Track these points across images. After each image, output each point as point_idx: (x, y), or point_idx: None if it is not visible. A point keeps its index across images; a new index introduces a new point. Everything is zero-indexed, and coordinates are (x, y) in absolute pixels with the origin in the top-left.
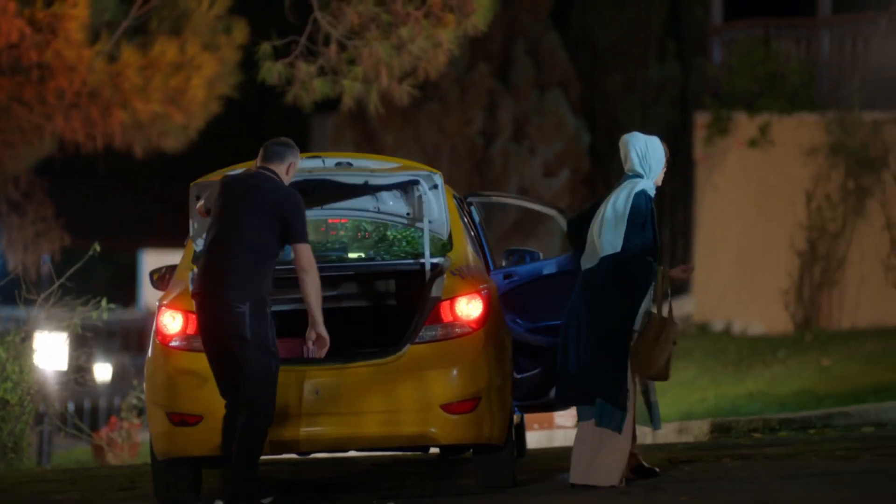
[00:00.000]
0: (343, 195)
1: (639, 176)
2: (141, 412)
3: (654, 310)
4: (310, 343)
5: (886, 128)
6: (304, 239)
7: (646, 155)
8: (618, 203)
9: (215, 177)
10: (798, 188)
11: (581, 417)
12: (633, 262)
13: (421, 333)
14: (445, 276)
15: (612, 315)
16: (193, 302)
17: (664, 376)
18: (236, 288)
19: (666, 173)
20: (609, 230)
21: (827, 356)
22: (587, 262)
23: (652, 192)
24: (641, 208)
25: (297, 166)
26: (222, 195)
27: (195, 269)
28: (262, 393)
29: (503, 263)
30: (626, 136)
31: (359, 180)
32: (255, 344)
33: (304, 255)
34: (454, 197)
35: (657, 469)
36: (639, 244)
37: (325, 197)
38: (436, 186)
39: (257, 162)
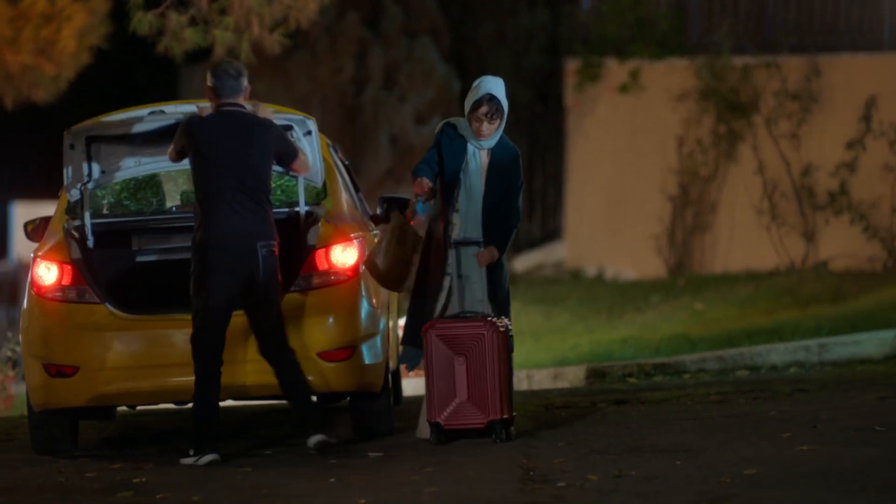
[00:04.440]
0: None
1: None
2: (15, 364)
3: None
4: None
5: (756, 72)
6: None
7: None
8: None
9: (91, 123)
10: (669, 133)
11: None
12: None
13: (296, 282)
14: (320, 223)
15: None
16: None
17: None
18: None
19: (537, 120)
20: None
21: (700, 301)
22: None
23: (467, 134)
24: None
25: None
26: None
27: (69, 221)
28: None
29: (378, 211)
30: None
31: None
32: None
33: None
34: (328, 145)
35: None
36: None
37: None
38: (309, 133)
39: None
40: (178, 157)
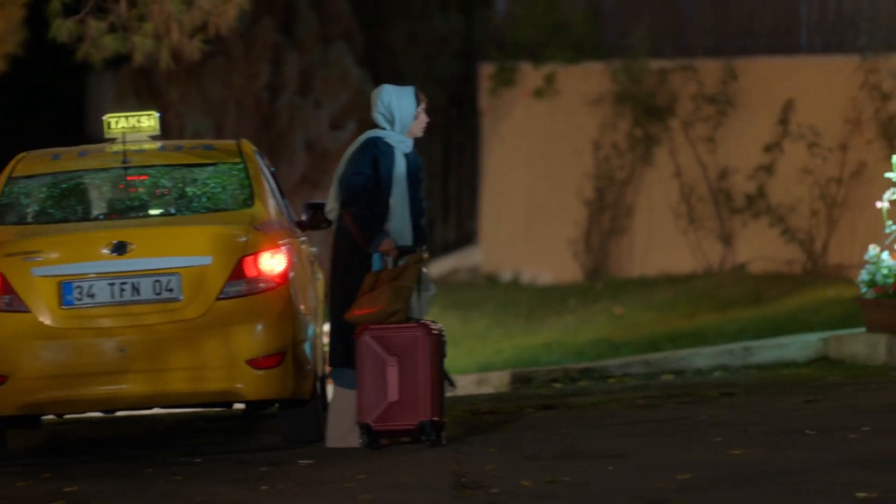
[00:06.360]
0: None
1: (379, 127)
2: None
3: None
4: None
5: (672, 76)
6: None
7: (390, 106)
8: (346, 153)
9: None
10: (585, 137)
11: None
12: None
13: (225, 289)
14: (248, 230)
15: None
16: None
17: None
18: None
19: (451, 124)
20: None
21: (619, 304)
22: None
23: (396, 142)
24: (354, 155)
25: None
26: None
27: None
28: None
29: (303, 217)
30: (376, 89)
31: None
32: None
33: None
34: (254, 151)
35: None
36: (346, 189)
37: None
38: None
39: None
40: None
